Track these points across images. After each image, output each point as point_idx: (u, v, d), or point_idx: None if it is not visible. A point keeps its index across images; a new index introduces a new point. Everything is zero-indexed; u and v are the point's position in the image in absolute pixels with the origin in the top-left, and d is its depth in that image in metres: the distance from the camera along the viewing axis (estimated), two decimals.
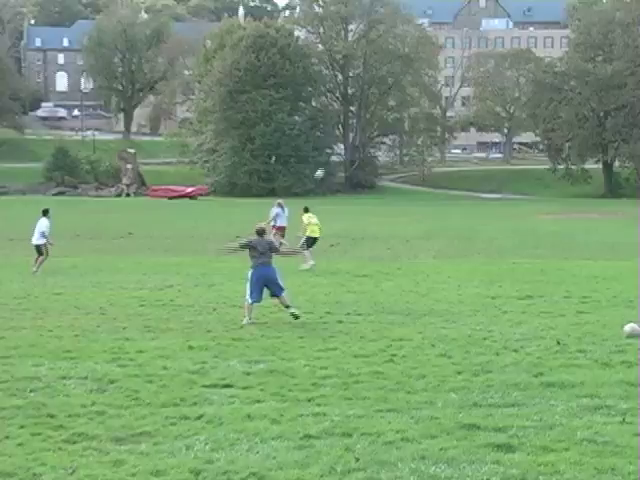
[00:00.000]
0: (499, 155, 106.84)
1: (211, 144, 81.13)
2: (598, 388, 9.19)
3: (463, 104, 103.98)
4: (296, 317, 13.67)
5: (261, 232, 14.44)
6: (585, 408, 8.46)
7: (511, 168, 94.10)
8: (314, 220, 22.68)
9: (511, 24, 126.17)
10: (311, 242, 22.39)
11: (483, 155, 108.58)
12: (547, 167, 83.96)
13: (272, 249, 14.30)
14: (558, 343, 11.80)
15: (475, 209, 58.19)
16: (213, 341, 12.15)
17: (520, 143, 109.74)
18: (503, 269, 22.05)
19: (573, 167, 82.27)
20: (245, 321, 13.66)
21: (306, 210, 23.05)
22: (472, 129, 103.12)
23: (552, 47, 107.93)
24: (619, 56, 77.40)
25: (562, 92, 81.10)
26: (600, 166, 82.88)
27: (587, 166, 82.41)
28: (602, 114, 79.12)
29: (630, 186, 79.90)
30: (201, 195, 72.25)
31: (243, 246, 14.60)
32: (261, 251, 14.00)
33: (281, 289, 14.01)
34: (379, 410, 8.54)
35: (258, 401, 8.94)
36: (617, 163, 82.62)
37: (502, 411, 8.43)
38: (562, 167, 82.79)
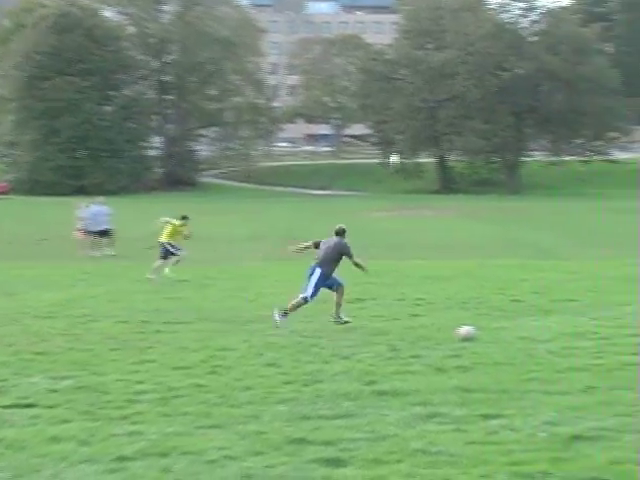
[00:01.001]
0: (329, 148, 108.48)
1: (10, 137, 78.42)
2: (432, 395, 9.51)
3: (290, 94, 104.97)
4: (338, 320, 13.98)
5: (340, 232, 14.69)
6: (418, 417, 8.73)
7: (341, 162, 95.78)
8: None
9: (338, 8, 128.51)
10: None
11: (312, 148, 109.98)
12: (379, 161, 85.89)
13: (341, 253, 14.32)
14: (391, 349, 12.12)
15: (304, 206, 58.87)
16: (14, 356, 11.78)
17: (351, 136, 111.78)
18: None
19: (406, 161, 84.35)
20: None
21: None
22: (300, 121, 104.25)
23: (382, 33, 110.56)
24: (450, 44, 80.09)
25: (393, 81, 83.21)
26: (434, 160, 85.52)
27: (420, 160, 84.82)
28: (434, 105, 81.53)
29: (465, 181, 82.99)
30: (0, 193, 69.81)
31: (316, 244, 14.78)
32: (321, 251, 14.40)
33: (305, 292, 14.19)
34: (201, 426, 8.53)
35: (65, 421, 8.74)
36: (451, 157, 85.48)
37: (332, 423, 8.59)
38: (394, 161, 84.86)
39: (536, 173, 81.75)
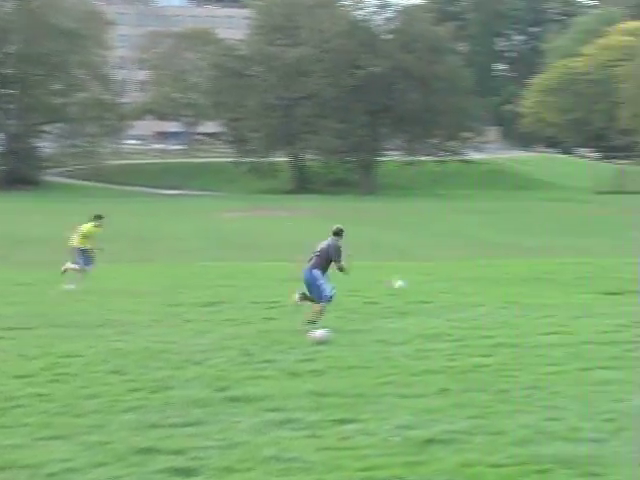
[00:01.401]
0: (180, 147, 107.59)
1: None
2: (285, 400, 9.54)
3: (139, 89, 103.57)
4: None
5: (337, 232, 14.77)
6: (271, 423, 8.74)
7: (194, 161, 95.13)
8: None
9: (189, 1, 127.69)
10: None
11: (162, 146, 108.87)
12: (232, 160, 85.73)
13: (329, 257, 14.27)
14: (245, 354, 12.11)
15: (155, 207, 58.24)
16: None
17: (203, 133, 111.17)
18: (186, 273, 22.27)
19: (260, 160, 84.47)
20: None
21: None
22: (150, 117, 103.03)
23: (235, 28, 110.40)
24: (305, 41, 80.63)
25: (246, 78, 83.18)
26: (289, 159, 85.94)
27: (275, 159, 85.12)
28: (290, 103, 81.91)
29: (320, 180, 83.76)
30: None
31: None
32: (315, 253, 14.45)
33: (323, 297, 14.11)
34: (41, 438, 8.32)
35: None
36: (307, 156, 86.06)
37: (182, 431, 8.51)
38: (248, 160, 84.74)
39: (391, 173, 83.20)
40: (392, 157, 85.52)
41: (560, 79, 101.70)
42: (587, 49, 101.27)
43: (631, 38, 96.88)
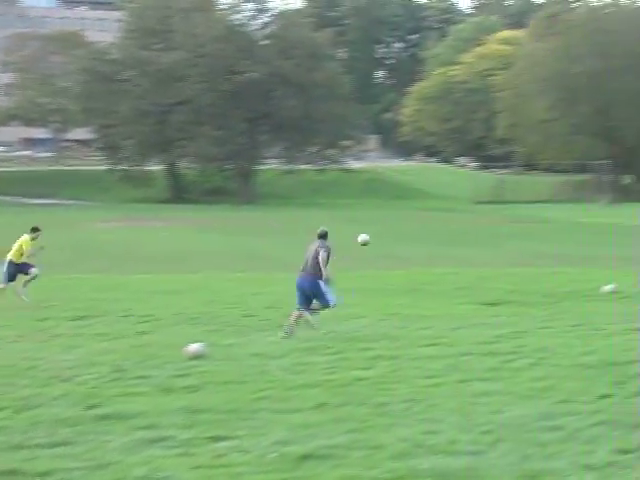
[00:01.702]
0: (49, 154, 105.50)
1: None
2: (158, 417, 9.44)
3: (4, 93, 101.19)
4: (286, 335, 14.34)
5: (323, 235, 15.17)
6: (143, 441, 8.63)
7: (64, 169, 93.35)
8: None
9: (57, 2, 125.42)
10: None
11: (29, 153, 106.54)
12: (105, 168, 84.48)
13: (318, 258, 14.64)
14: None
15: (21, 218, 56.89)
16: None
17: (73, 140, 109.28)
18: (55, 286, 21.84)
19: (134, 168, 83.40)
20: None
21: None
22: (16, 123, 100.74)
23: (106, 31, 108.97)
24: (180, 45, 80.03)
25: (119, 83, 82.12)
26: (164, 167, 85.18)
27: (150, 167, 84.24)
28: (165, 109, 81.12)
29: (197, 189, 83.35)
30: None
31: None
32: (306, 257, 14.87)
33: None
34: None
35: None
36: (183, 164, 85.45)
37: (49, 452, 8.33)
38: (122, 168, 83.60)
39: (271, 182, 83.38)
40: (271, 165, 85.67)
41: (439, 87, 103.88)
42: (465, 57, 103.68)
43: (508, 47, 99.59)
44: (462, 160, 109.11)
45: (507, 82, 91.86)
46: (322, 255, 14.83)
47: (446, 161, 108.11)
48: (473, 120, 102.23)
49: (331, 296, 14.89)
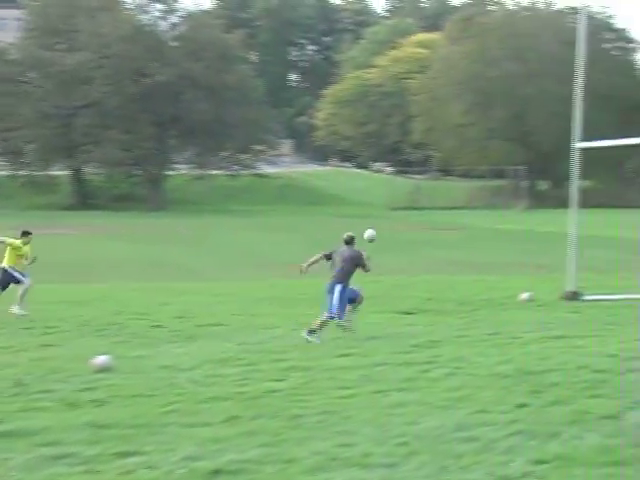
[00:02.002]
0: None
1: None
2: (62, 434, 9.31)
3: None
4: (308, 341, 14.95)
5: (349, 241, 15.82)
6: (46, 459, 8.50)
7: None
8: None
9: None
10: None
11: None
12: (7, 174, 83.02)
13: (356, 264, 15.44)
14: (18, 384, 11.74)
15: None
16: None
17: None
18: None
19: (37, 173, 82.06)
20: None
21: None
22: None
23: (5, 30, 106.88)
24: (85, 45, 79.07)
25: (20, 84, 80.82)
26: (69, 172, 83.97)
27: (54, 172, 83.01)
28: (69, 112, 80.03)
29: (104, 195, 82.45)
30: None
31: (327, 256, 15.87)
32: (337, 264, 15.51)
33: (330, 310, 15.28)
34: None
35: None
36: (89, 169, 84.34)
37: None
38: (24, 173, 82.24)
39: (181, 187, 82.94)
40: (182, 171, 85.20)
41: (354, 91, 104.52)
42: (381, 60, 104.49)
43: (424, 50, 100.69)
44: (378, 165, 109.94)
45: (423, 86, 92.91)
46: (367, 265, 15.77)
47: (362, 166, 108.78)
48: (389, 124, 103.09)
49: (341, 309, 15.48)
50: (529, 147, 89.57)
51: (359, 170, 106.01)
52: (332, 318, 15.47)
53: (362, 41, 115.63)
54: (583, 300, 20.81)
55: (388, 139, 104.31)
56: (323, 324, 15.44)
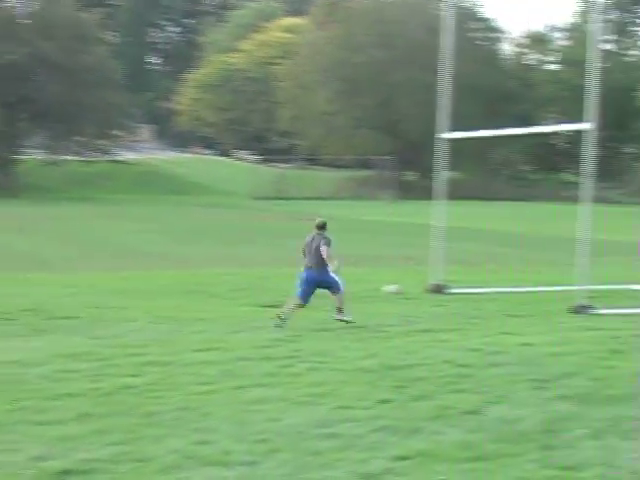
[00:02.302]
0: None
1: None
2: None
3: None
4: (279, 323, 15.76)
5: (322, 226, 16.31)
6: None
7: None
8: None
9: None
10: None
11: None
12: None
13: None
14: None
15: None
16: None
17: None
18: None
19: None
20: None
21: None
22: None
23: None
24: None
25: None
26: None
27: None
28: None
29: None
30: None
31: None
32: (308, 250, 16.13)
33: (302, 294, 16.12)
34: None
35: None
36: None
37: None
38: None
39: (34, 173, 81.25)
40: (34, 155, 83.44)
41: (218, 75, 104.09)
42: (245, 45, 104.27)
43: (290, 35, 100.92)
44: (242, 153, 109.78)
45: (288, 72, 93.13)
46: (324, 250, 16.10)
47: (225, 154, 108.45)
48: (254, 111, 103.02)
49: (341, 282, 16.44)
50: (396, 137, 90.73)
51: (222, 158, 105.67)
52: (302, 306, 16.33)
53: (226, 24, 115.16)
54: (449, 293, 21.20)
55: (253, 126, 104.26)
56: (295, 310, 16.22)
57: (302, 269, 16.46)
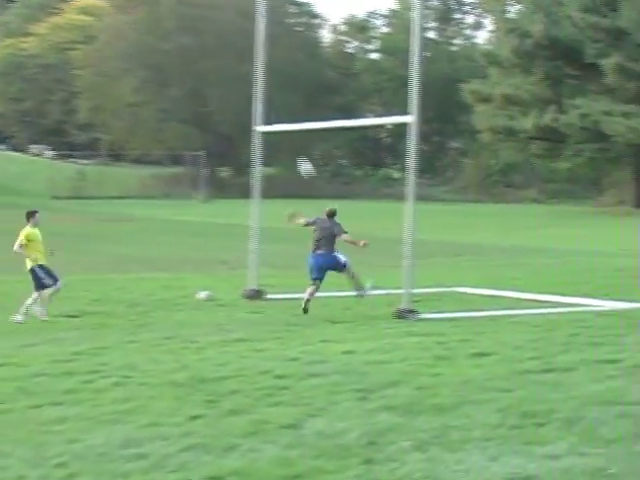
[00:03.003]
0: None
1: None
2: None
3: None
4: (305, 311, 18.85)
5: (333, 213, 19.45)
6: None
7: None
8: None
9: None
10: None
11: None
12: None
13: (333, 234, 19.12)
14: None
15: None
16: None
17: None
18: None
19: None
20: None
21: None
22: None
23: None
24: None
25: None
26: None
27: None
28: None
29: None
30: None
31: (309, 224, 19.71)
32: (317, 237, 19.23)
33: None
34: None
35: None
36: None
37: None
38: None
39: None
40: None
41: (7, 62, 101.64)
42: (38, 28, 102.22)
43: (89, 18, 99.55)
44: (38, 148, 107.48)
45: (88, 58, 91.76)
46: (347, 237, 19.24)
47: (17, 149, 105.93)
48: (50, 101, 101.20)
49: (342, 256, 19.34)
50: (209, 130, 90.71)
51: (14, 153, 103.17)
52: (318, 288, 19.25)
53: (14, 4, 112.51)
54: (266, 299, 21.35)
55: (49, 118, 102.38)
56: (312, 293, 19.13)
57: (310, 255, 19.41)
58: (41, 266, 19.15)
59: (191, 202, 76.91)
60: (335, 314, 19.13)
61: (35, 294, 19.02)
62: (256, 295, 21.48)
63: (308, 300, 18.95)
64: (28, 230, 19.36)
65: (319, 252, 19.19)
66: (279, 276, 25.76)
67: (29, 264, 19.21)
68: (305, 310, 18.83)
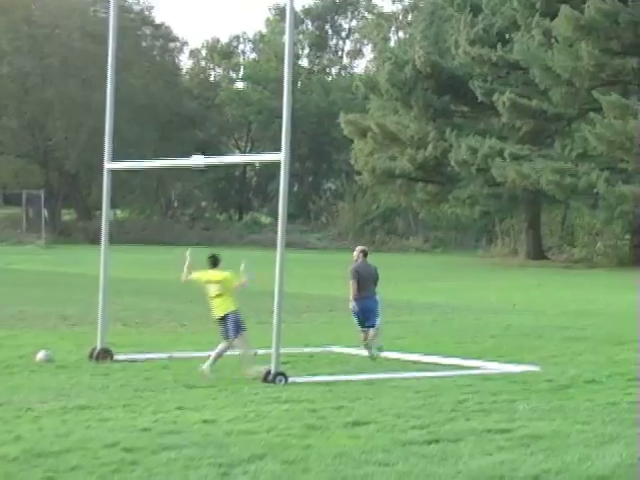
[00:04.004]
0: None
1: None
2: None
3: None
4: (373, 358, 20.75)
5: (367, 253, 21.12)
6: None
7: None
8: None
9: None
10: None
11: None
12: None
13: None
14: None
15: None
16: None
17: None
18: None
19: None
20: None
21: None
22: None
23: None
24: None
25: None
26: None
27: None
28: None
29: None
30: None
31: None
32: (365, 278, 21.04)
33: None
34: None
35: None
36: None
37: None
38: None
39: None
40: None
41: None
42: None
43: None
44: None
45: None
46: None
47: None
48: None
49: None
50: (50, 167, 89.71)
51: None
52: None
53: None
54: (114, 360, 21.09)
55: None
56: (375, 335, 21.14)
57: (356, 302, 20.95)
58: None
59: (29, 248, 75.81)
60: (192, 377, 18.96)
61: None
62: (103, 355, 21.18)
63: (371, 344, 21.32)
64: None
65: (368, 296, 21.26)
66: (130, 334, 25.50)
67: None
68: (375, 356, 21.20)
